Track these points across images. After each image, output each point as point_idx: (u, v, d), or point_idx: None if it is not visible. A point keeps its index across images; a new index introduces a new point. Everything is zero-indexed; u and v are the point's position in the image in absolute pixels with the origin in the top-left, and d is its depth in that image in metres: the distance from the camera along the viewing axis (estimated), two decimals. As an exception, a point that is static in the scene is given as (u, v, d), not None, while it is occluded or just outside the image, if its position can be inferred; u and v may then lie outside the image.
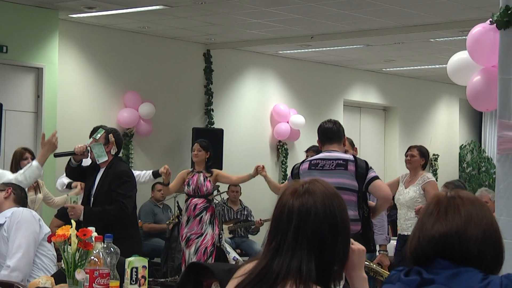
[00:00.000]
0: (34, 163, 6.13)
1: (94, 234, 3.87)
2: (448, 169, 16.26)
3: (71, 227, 3.89)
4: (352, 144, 7.14)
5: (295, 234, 2.40)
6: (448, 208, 2.40)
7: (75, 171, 6.38)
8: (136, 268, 3.78)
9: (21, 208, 5.08)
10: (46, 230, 5.06)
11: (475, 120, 17.93)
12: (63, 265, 3.96)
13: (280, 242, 2.42)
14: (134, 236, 6.39)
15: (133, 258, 3.80)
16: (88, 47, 11.02)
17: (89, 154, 6.23)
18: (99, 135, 6.22)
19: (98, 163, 6.21)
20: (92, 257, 3.79)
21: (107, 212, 6.12)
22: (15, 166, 7.35)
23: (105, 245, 3.82)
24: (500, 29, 4.78)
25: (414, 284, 2.35)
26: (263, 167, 8.33)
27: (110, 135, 6.30)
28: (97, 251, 3.80)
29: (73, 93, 10.81)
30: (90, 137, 6.31)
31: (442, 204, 2.42)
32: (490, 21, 4.91)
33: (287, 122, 13.48)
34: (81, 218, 6.02)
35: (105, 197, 6.15)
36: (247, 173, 8.70)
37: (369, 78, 15.46)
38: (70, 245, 3.87)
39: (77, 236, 3.82)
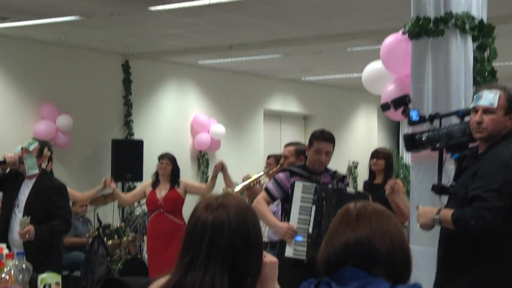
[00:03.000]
0: None
1: (5, 251, 3.78)
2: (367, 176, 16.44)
3: (-18, 244, 3.79)
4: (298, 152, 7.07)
5: (209, 248, 2.39)
6: (359, 217, 2.43)
7: None
8: (49, 284, 3.71)
9: None
10: None
11: (392, 127, 18.23)
12: (-28, 284, 3.85)
13: (193, 256, 2.41)
14: (58, 249, 6.42)
15: (45, 275, 3.72)
16: (2, 58, 10.78)
17: (18, 165, 6.10)
18: (32, 147, 6.11)
19: (28, 175, 6.10)
20: (3, 275, 3.69)
21: (55, 228, 6.15)
22: None
23: (16, 262, 3.73)
24: (412, 39, 4.87)
25: (324, 296, 2.36)
26: (220, 164, 8.14)
27: (45, 149, 6.24)
28: (8, 268, 3.71)
29: (-13, 105, 10.57)
30: (21, 147, 6.20)
31: (352, 213, 2.45)
32: (402, 31, 5.00)
33: (208, 132, 13.47)
34: (32, 239, 5.92)
35: (40, 210, 6.10)
36: (209, 181, 8.53)
37: (289, 88, 15.58)
38: (-20, 263, 3.77)
39: (-13, 254, 3.72)
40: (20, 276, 3.72)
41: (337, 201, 5.42)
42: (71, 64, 11.71)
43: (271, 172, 7.17)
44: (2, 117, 10.77)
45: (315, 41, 11.19)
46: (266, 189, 5.87)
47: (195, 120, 13.47)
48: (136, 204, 11.39)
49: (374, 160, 7.83)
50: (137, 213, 11.42)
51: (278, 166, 6.96)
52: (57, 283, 3.73)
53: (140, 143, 12.14)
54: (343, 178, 5.90)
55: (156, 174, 8.59)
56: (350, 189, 5.65)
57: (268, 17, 9.69)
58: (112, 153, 11.78)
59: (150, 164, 12.14)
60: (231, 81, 14.32)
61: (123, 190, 11.50)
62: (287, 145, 7.11)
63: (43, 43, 11.21)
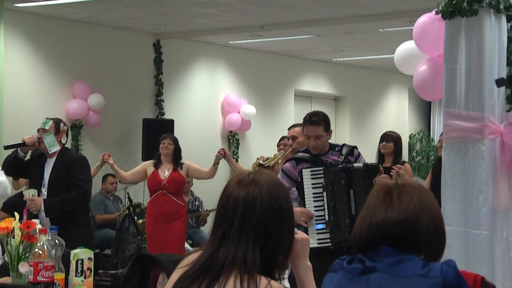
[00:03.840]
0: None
1: (39, 226, 3.82)
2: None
3: (15, 219, 3.83)
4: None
5: (241, 224, 2.40)
6: (401, 195, 2.41)
7: (20, 165, 6.28)
8: (82, 260, 3.74)
9: None
10: None
11: (424, 109, 18.11)
12: (6, 258, 3.90)
13: (226, 231, 2.42)
14: (87, 223, 6.48)
15: (78, 250, 3.76)
16: (34, 37, 10.85)
17: (38, 144, 6.18)
18: (48, 125, 6.18)
19: (50, 153, 6.18)
20: (36, 250, 3.73)
21: (69, 199, 6.15)
22: None
23: (49, 237, 3.77)
24: (445, 19, 4.82)
25: (357, 272, 2.36)
26: (222, 150, 8.12)
27: (61, 124, 6.31)
28: (41, 243, 3.75)
29: (19, 84, 10.63)
30: (37, 129, 6.28)
31: (394, 191, 2.42)
32: (435, 11, 4.95)
33: (238, 113, 13.47)
34: (42, 209, 6.00)
35: (62, 184, 6.17)
36: (211, 166, 8.50)
37: (320, 68, 15.52)
38: (13, 237, 3.81)
39: (20, 229, 3.77)
40: (53, 251, 3.76)
41: (346, 180, 5.39)
42: (103, 43, 11.76)
43: (285, 154, 7.00)
44: (35, 95, 10.85)
45: (347, 21, 11.13)
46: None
47: (226, 100, 13.48)
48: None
49: (384, 143, 7.85)
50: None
51: (290, 149, 6.81)
52: (89, 259, 3.77)
53: (171, 123, 12.18)
54: (352, 150, 5.70)
55: (158, 154, 8.51)
56: (357, 164, 5.52)
57: (300, -4, 9.66)
58: (143, 132, 11.83)
59: (181, 144, 12.18)
60: (262, 61, 14.29)
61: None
62: (293, 126, 7.02)
63: (75, 21, 11.26)
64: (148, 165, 8.56)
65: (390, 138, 7.82)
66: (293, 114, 14.95)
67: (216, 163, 8.27)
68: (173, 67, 12.77)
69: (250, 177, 2.46)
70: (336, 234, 5.35)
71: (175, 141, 8.55)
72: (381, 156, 7.85)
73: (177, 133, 12.07)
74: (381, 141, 7.87)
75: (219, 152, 8.12)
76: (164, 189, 8.32)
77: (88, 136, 11.57)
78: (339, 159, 5.60)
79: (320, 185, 5.45)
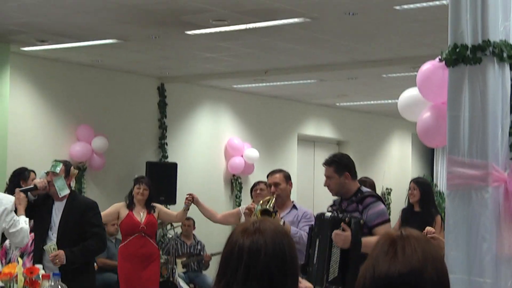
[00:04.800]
0: (25, 218, 5.82)
1: (42, 272, 3.81)
2: (401, 202, 16.33)
3: (18, 264, 3.82)
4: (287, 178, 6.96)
5: (245, 273, 2.39)
6: (406, 247, 2.39)
7: (29, 208, 6.24)
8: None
9: None
10: None
11: (427, 154, 18.13)
12: (9, 304, 3.88)
13: (230, 280, 2.41)
14: (92, 269, 6.45)
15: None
16: (40, 80, 10.93)
17: (49, 188, 6.14)
18: (58, 169, 6.15)
19: (60, 196, 6.14)
20: (39, 295, 3.73)
21: (88, 248, 6.16)
22: (14, 186, 7.03)
23: (52, 283, 3.76)
24: (448, 67, 4.84)
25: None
26: (190, 196, 8.05)
27: (72, 168, 6.30)
28: (44, 289, 3.74)
29: (24, 126, 10.69)
30: (45, 172, 6.24)
31: (398, 243, 2.41)
32: (439, 58, 4.98)
33: (241, 156, 13.49)
34: (64, 262, 5.94)
35: (74, 229, 6.13)
36: (181, 211, 8.45)
37: (323, 113, 15.58)
38: (16, 283, 3.80)
39: (23, 274, 3.75)
40: (55, 297, 3.75)
41: (317, 228, 5.49)
42: (107, 87, 11.83)
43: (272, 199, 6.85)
44: (39, 138, 10.89)
45: (351, 66, 11.21)
46: None
47: (229, 144, 13.51)
48: (169, 227, 11.45)
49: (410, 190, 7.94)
50: (170, 236, 11.47)
51: (273, 196, 6.71)
52: (91, 305, 3.75)
53: (174, 166, 12.20)
54: (363, 198, 5.66)
55: (131, 196, 8.35)
56: (327, 214, 5.52)
57: (304, 42, 9.73)
58: (146, 175, 11.82)
59: (183, 187, 12.20)
60: (265, 105, 14.36)
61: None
62: (273, 172, 6.87)
63: (80, 65, 11.35)
64: (120, 207, 8.35)
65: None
66: (296, 158, 14.98)
67: (186, 209, 8.20)
68: (177, 110, 12.83)
69: (255, 225, 2.45)
70: (308, 279, 5.40)
71: (150, 186, 8.42)
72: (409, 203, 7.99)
73: (180, 176, 12.10)
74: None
75: (187, 198, 7.99)
76: (143, 231, 8.25)
77: (91, 179, 11.58)
78: (353, 207, 5.64)
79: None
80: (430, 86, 5.24)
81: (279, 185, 6.68)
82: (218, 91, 13.51)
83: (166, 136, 12.67)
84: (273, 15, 8.31)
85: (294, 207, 6.72)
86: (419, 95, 5.43)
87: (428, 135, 5.39)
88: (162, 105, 12.65)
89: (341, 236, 5.40)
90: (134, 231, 8.22)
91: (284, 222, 6.38)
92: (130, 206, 8.28)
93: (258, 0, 7.69)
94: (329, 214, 5.54)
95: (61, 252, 5.97)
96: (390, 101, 14.26)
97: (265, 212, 6.25)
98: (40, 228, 6.22)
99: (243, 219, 7.92)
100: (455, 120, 4.79)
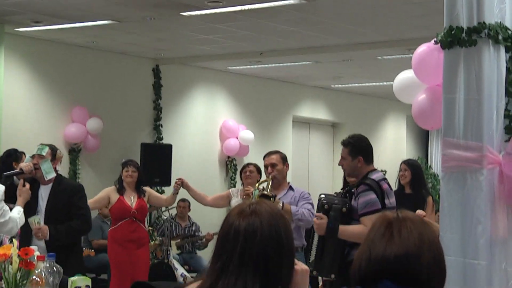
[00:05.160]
0: (21, 208, 5.80)
1: (37, 253, 3.81)
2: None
3: (13, 246, 3.82)
4: (284, 159, 6.97)
5: (241, 255, 2.39)
6: (402, 230, 2.39)
7: (15, 192, 6.22)
8: (80, 287, 3.73)
9: None
10: None
11: (422, 136, 18.15)
12: (3, 285, 3.88)
13: (225, 262, 2.41)
14: (79, 249, 6.49)
15: (76, 278, 3.76)
16: (35, 61, 10.89)
17: (35, 171, 6.12)
18: (44, 152, 6.14)
19: (46, 179, 6.14)
20: (34, 277, 3.72)
21: (74, 228, 6.19)
22: (6, 168, 6.92)
23: (47, 264, 3.76)
24: (444, 49, 4.84)
25: (357, 305, 2.35)
26: (180, 180, 8.04)
27: (58, 151, 6.29)
28: (39, 270, 3.74)
29: (18, 108, 10.66)
30: (31, 156, 6.21)
31: (394, 225, 2.41)
32: (434, 40, 4.97)
33: (236, 138, 13.49)
34: (47, 238, 5.96)
35: (61, 212, 6.14)
36: (170, 195, 8.42)
37: (318, 95, 15.57)
38: (11, 264, 3.80)
39: (18, 255, 3.76)
40: (51, 278, 3.75)
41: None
42: (102, 68, 11.80)
43: (269, 181, 6.85)
44: (34, 119, 10.87)
45: (346, 48, 11.19)
46: None
47: (224, 126, 13.50)
48: (164, 209, 11.46)
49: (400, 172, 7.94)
50: (165, 218, 11.48)
51: (269, 177, 6.73)
52: (87, 286, 3.76)
53: (169, 148, 12.19)
54: (359, 183, 5.69)
55: (121, 181, 8.32)
56: (322, 195, 5.69)
57: (299, 24, 9.70)
58: (141, 157, 11.83)
59: (178, 169, 12.21)
60: (260, 87, 14.34)
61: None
62: (270, 153, 6.93)
63: (75, 46, 11.31)
64: (111, 191, 8.31)
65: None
66: (291, 140, 14.98)
67: (175, 193, 8.21)
68: (172, 92, 12.81)
69: (251, 207, 2.45)
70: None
71: (139, 168, 8.42)
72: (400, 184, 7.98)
73: (175, 157, 12.10)
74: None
75: (176, 182, 7.99)
76: (133, 216, 8.24)
77: (86, 160, 11.57)
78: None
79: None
80: (426, 68, 5.24)
81: (276, 166, 6.70)
82: (213, 73, 13.49)
83: (161, 118, 12.66)
84: (268, -4, 8.29)
85: (291, 188, 6.74)
86: (415, 77, 5.43)
87: (423, 117, 5.39)
88: (157, 87, 12.63)
89: (316, 224, 5.57)
90: (125, 216, 8.22)
91: (283, 203, 6.40)
92: (121, 190, 8.26)
93: (254, -19, 7.67)
94: (321, 197, 5.62)
95: (45, 226, 6.01)
96: (385, 83, 14.25)
97: (263, 197, 6.26)
98: (26, 213, 6.18)
99: (233, 201, 7.97)
100: (450, 102, 4.80)
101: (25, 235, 6.11)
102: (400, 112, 17.11)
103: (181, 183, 7.92)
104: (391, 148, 17.07)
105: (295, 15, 9.17)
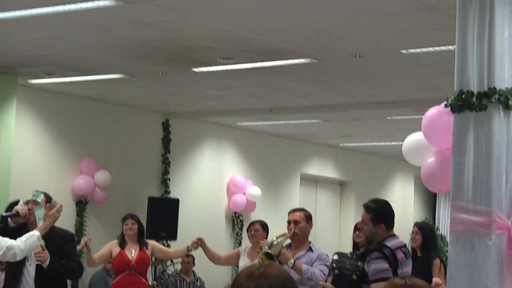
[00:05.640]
0: (36, 233, 5.85)
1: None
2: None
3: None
4: (308, 217, 6.88)
5: None
6: None
7: (8, 234, 6.22)
8: None
9: None
10: None
11: (429, 197, 18.10)
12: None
13: None
14: None
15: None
16: (45, 112, 10.96)
17: (29, 217, 6.16)
18: (40, 198, 6.18)
19: (38, 226, 6.14)
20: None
21: (71, 267, 6.29)
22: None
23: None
24: (454, 113, 4.86)
25: None
26: (199, 240, 8.02)
27: (53, 200, 6.31)
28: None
29: (28, 157, 10.70)
30: (25, 201, 6.24)
31: None
32: (444, 104, 5.00)
33: (244, 194, 13.48)
34: (45, 264, 6.04)
35: (53, 258, 6.12)
36: (182, 249, 8.44)
37: (326, 153, 15.60)
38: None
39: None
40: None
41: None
42: (112, 121, 11.87)
43: (286, 236, 6.79)
44: (43, 169, 10.90)
45: (355, 108, 11.25)
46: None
47: (232, 181, 13.51)
48: (169, 263, 11.41)
49: (357, 232, 7.87)
50: (170, 272, 11.42)
51: (291, 231, 6.66)
52: None
53: (176, 202, 12.18)
54: (370, 252, 5.62)
55: (122, 235, 8.33)
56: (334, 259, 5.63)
57: (309, 82, 9.77)
58: (148, 210, 11.82)
59: (185, 223, 12.19)
60: (269, 143, 14.38)
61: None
62: (295, 210, 6.85)
63: (86, 98, 11.40)
64: (113, 245, 8.34)
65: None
66: (298, 197, 14.96)
67: (189, 250, 8.20)
68: (181, 146, 12.85)
69: (260, 270, 2.45)
70: None
71: (138, 220, 8.43)
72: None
73: (182, 212, 12.09)
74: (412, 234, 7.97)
75: (195, 242, 7.96)
76: (133, 269, 8.17)
77: (93, 212, 11.57)
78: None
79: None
80: (435, 131, 5.25)
81: (298, 223, 6.60)
82: (223, 128, 13.55)
83: (169, 172, 12.68)
84: (280, 55, 8.36)
85: (310, 249, 6.64)
86: (424, 139, 5.44)
87: (432, 180, 5.38)
88: (166, 141, 12.68)
89: None
90: (124, 268, 8.17)
91: (294, 261, 6.34)
92: (122, 244, 8.27)
93: (266, 40, 7.74)
94: (334, 258, 5.57)
95: (47, 252, 6.06)
96: (393, 143, 14.28)
97: (267, 255, 6.23)
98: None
99: (242, 261, 7.95)
100: (460, 166, 4.80)
101: (9, 281, 6.10)
102: (408, 173, 17.09)
103: (200, 243, 7.89)
104: (399, 209, 16.92)
105: (305, 74, 9.25)
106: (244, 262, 8.12)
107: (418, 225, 8.03)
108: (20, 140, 10.35)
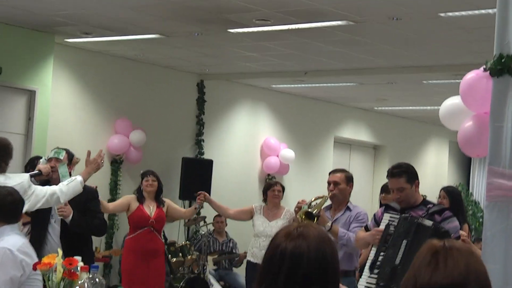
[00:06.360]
0: (79, 178, 5.90)
1: (80, 264, 3.85)
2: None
3: (58, 255, 3.86)
4: (349, 179, 6.80)
5: (286, 278, 2.37)
6: (448, 259, 2.35)
7: None
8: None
9: (2, 248, 4.43)
10: (33, 261, 4.44)
11: (464, 163, 17.98)
12: (47, 293, 3.92)
13: (271, 284, 2.40)
14: (90, 246, 6.64)
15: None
16: (82, 72, 11.03)
17: (51, 174, 6.18)
18: (62, 155, 6.19)
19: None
20: (77, 287, 3.76)
21: (94, 223, 6.32)
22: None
23: (90, 275, 3.80)
24: (493, 77, 4.80)
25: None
26: (201, 193, 8.08)
27: (75, 157, 6.34)
28: (82, 281, 3.77)
29: (64, 117, 10.79)
30: (48, 157, 6.27)
31: (441, 254, 2.37)
32: (483, 68, 4.94)
33: (277, 156, 13.49)
34: (68, 219, 6.08)
35: (75, 214, 6.17)
36: (191, 208, 8.53)
37: (361, 116, 15.53)
38: (55, 273, 3.84)
39: (62, 265, 3.79)
40: (93, 289, 3.78)
41: (406, 230, 5.33)
42: (148, 81, 11.90)
43: (325, 198, 6.74)
44: (79, 128, 10.99)
45: (391, 71, 11.16)
46: (366, 227, 5.85)
47: (266, 143, 13.52)
48: (202, 223, 11.48)
49: (383, 194, 7.80)
50: (203, 233, 11.50)
51: (329, 193, 6.62)
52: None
53: (209, 163, 12.23)
54: (440, 211, 5.53)
55: (140, 190, 8.33)
56: (427, 221, 5.42)
57: (345, 45, 9.71)
58: (181, 171, 11.89)
59: (218, 184, 12.25)
60: (303, 106, 14.35)
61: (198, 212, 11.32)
62: (335, 171, 6.75)
63: (122, 58, 11.43)
64: (132, 199, 8.33)
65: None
66: (332, 160, 14.94)
67: (196, 207, 8.26)
68: (215, 107, 12.87)
69: (299, 230, 2.44)
70: (378, 279, 5.33)
71: (158, 178, 8.45)
72: None
73: (215, 173, 12.14)
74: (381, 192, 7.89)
75: (199, 198, 8.00)
76: (151, 226, 8.21)
77: (127, 171, 11.66)
78: (421, 215, 5.46)
79: (390, 232, 5.45)
80: (473, 95, 5.20)
81: (338, 185, 6.52)
82: (257, 90, 13.53)
83: (203, 133, 12.72)
84: (317, 16, 8.30)
85: (348, 208, 6.58)
86: (462, 104, 5.38)
87: (469, 144, 5.34)
88: (201, 102, 12.70)
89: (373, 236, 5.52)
90: (143, 225, 8.18)
91: (331, 224, 6.31)
92: (140, 199, 8.27)
93: (303, 1, 7.68)
94: (429, 222, 5.38)
95: (69, 207, 6.09)
96: (429, 107, 14.18)
97: (307, 214, 6.20)
98: (39, 217, 6.21)
99: (257, 219, 8.04)
100: (498, 131, 4.75)
101: (35, 241, 6.13)
102: (442, 138, 16.98)
103: (204, 198, 7.99)
104: (432, 174, 16.94)
105: (341, 36, 9.18)
106: (260, 221, 8.19)
107: (445, 190, 7.92)
108: (56, 98, 10.43)
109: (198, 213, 11.05)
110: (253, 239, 8.34)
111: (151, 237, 8.23)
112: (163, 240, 10.29)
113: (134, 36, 9.87)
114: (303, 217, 6.16)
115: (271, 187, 8.28)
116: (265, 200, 8.39)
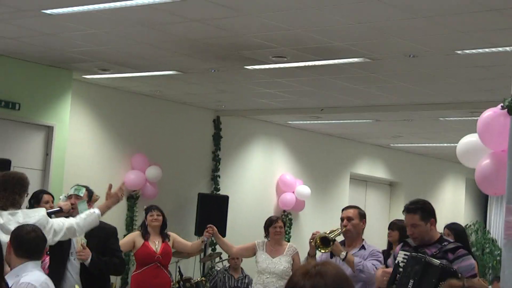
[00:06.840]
0: (97, 211, 5.88)
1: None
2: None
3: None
4: (362, 215, 6.79)
5: None
6: None
7: None
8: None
9: (26, 283, 4.39)
10: None
11: (480, 200, 17.88)
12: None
13: None
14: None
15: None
16: (99, 108, 11.10)
17: (72, 211, 6.19)
18: (82, 192, 6.20)
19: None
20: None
21: (114, 263, 6.29)
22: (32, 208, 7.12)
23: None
24: (510, 115, 4.80)
25: None
26: (211, 227, 8.07)
27: (94, 194, 6.35)
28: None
29: (81, 152, 10.85)
30: (68, 194, 6.28)
31: None
32: (501, 106, 4.94)
33: (293, 192, 13.47)
34: (87, 262, 6.06)
35: (95, 252, 6.17)
36: (197, 242, 8.48)
37: (377, 153, 15.51)
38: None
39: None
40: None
41: (414, 269, 5.28)
42: (164, 117, 11.95)
43: (339, 231, 6.74)
44: (96, 164, 11.03)
45: (408, 108, 11.16)
46: (386, 265, 5.81)
47: (281, 180, 13.51)
48: (217, 260, 11.45)
49: (389, 231, 7.82)
50: (218, 269, 11.46)
51: (343, 228, 6.60)
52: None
53: (225, 199, 12.22)
54: (454, 249, 5.44)
55: (145, 226, 8.28)
56: (434, 260, 5.36)
57: (361, 82, 9.73)
58: (197, 207, 11.88)
59: (234, 220, 12.23)
60: (319, 142, 14.35)
61: (205, 245, 11.40)
62: (349, 207, 6.74)
63: (139, 94, 11.50)
64: (136, 236, 8.29)
65: (395, 227, 7.78)
66: (347, 196, 14.90)
67: (203, 241, 8.22)
68: (231, 143, 12.89)
69: (317, 268, 2.44)
70: None
71: (163, 213, 8.40)
72: (389, 244, 7.83)
73: (231, 209, 12.13)
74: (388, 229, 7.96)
75: (207, 231, 7.98)
76: (158, 261, 8.17)
77: (143, 207, 11.63)
78: (434, 253, 5.39)
79: (400, 271, 5.40)
80: (491, 133, 5.19)
81: (352, 220, 6.51)
82: (273, 127, 13.56)
83: (219, 169, 12.73)
84: (333, 54, 8.34)
85: (363, 247, 6.56)
86: (479, 141, 5.37)
87: (486, 182, 5.32)
88: (217, 138, 12.73)
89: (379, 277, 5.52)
90: (149, 261, 8.14)
91: (346, 253, 6.28)
92: (145, 235, 8.23)
93: (319, 38, 7.72)
94: (437, 261, 5.31)
95: (88, 250, 6.07)
96: (445, 144, 14.14)
97: (324, 240, 6.17)
98: (58, 253, 6.20)
99: (260, 255, 7.99)
100: (516, 169, 4.74)
101: (56, 280, 6.11)
102: (459, 174, 16.91)
103: (212, 233, 7.97)
104: (449, 211, 16.83)
105: (358, 73, 9.20)
106: (263, 257, 8.13)
107: (449, 227, 7.82)
108: (74, 134, 10.49)
109: (214, 249, 11.02)
110: (257, 275, 8.28)
111: (158, 272, 8.20)
112: (179, 276, 10.31)
113: (151, 72, 9.94)
114: (318, 241, 6.14)
115: (272, 224, 8.25)
116: (266, 236, 8.35)
